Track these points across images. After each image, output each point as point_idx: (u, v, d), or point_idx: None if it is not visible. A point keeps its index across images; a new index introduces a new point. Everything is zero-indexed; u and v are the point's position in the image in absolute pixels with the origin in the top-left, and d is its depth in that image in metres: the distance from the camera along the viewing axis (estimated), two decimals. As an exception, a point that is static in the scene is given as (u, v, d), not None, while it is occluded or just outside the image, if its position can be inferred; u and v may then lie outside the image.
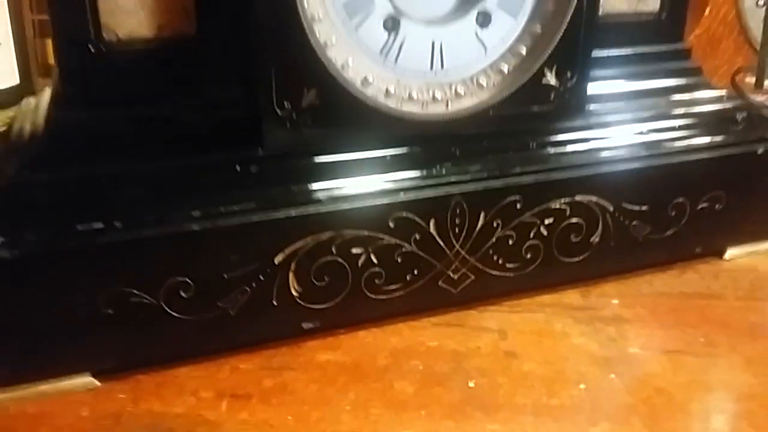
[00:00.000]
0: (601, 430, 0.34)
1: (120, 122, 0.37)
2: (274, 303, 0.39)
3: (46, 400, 0.36)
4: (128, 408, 0.36)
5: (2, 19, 0.84)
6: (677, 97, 0.49)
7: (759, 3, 0.76)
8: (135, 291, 0.36)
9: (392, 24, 0.39)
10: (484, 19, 0.41)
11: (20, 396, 0.36)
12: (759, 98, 0.76)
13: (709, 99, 0.50)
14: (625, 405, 0.36)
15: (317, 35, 0.37)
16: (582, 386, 0.37)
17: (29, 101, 0.48)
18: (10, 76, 0.86)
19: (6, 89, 0.86)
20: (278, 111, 0.38)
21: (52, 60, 0.90)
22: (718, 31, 0.78)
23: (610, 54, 0.47)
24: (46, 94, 0.46)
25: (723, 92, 0.51)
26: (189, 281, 0.37)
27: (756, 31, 0.76)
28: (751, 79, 0.76)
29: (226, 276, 0.37)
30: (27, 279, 0.34)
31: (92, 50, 0.36)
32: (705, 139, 0.48)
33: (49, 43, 0.89)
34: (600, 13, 0.45)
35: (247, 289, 0.38)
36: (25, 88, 0.89)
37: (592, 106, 0.46)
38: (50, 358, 0.36)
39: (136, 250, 0.35)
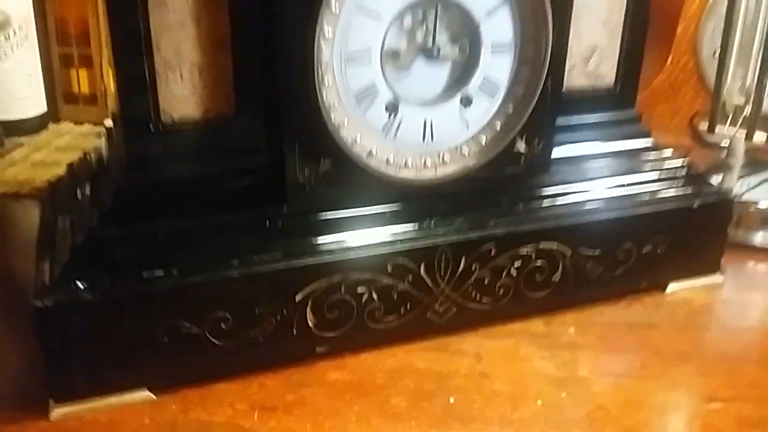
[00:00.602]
0: (552, 439, 0.44)
1: (173, 187, 0.46)
2: (294, 332, 0.48)
3: (113, 410, 0.45)
4: (180, 417, 0.45)
5: (32, 53, 0.93)
6: (628, 157, 0.58)
7: (715, 55, 0.86)
8: (185, 323, 0.45)
9: (392, 108, 0.48)
10: (466, 102, 0.50)
11: (93, 407, 0.45)
12: (713, 139, 0.85)
13: (656, 159, 0.59)
14: (571, 419, 0.45)
15: (333, 119, 0.46)
16: (539, 402, 0.47)
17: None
18: (39, 105, 0.95)
19: (35, 117, 0.94)
20: (300, 177, 0.47)
21: (75, 89, 0.98)
22: (679, 78, 0.88)
23: (571, 122, 0.57)
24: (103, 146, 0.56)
25: (668, 152, 0.60)
26: (228, 315, 0.46)
27: (713, 79, 0.86)
28: (706, 123, 0.86)
29: (256, 311, 0.46)
30: (103, 315, 0.43)
31: (152, 129, 0.45)
32: (650, 195, 0.57)
33: (73, 72, 0.98)
34: (563, 89, 0.55)
35: (273, 321, 0.47)
36: (52, 114, 0.97)
37: (555, 167, 0.55)
38: (117, 376, 0.45)
39: (187, 291, 0.45)
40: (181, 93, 0.46)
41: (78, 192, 0.51)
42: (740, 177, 0.76)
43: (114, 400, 0.45)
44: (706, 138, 0.87)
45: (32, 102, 0.93)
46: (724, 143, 0.77)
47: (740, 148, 0.75)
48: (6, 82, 0.90)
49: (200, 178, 0.47)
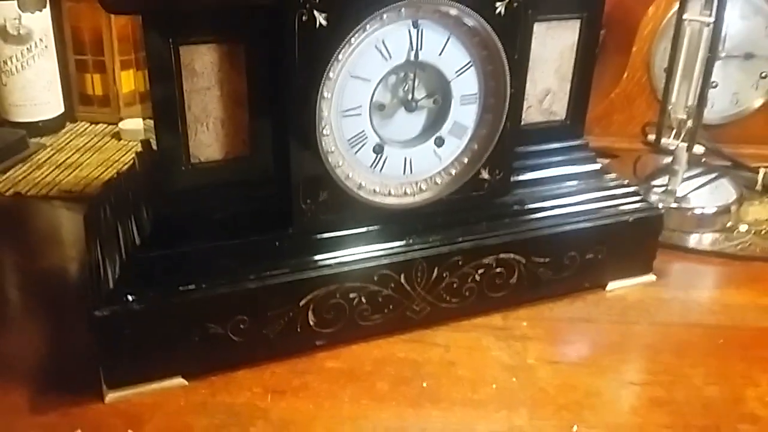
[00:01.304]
0: (501, 416, 0.56)
1: (201, 214, 0.57)
2: (299, 329, 0.59)
3: (155, 394, 0.56)
4: (209, 399, 0.56)
5: (51, 62, 1.02)
6: (576, 180, 0.69)
7: (664, 70, 0.96)
8: (212, 325, 0.56)
9: (378, 149, 0.59)
10: (439, 142, 0.61)
11: (139, 391, 0.56)
12: (663, 143, 0.96)
13: (599, 181, 0.71)
14: (518, 399, 0.57)
15: (330, 161, 0.57)
16: (494, 386, 0.59)
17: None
18: (57, 107, 1.04)
19: (54, 117, 1.04)
20: (303, 205, 0.58)
21: (89, 91, 1.08)
22: (633, 91, 0.99)
23: (529, 150, 0.68)
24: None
25: (611, 176, 0.71)
26: (246, 318, 0.57)
27: (663, 92, 0.96)
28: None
29: (269, 314, 0.58)
30: (147, 321, 0.54)
31: (184, 168, 0.56)
32: (594, 212, 0.68)
33: (87, 76, 1.07)
34: (521, 124, 0.66)
35: (282, 321, 0.58)
36: (68, 115, 1.07)
37: (514, 189, 0.66)
38: (158, 367, 0.56)
39: (214, 300, 0.56)
40: (207, 140, 0.56)
41: (118, 213, 0.62)
42: (684, 180, 0.88)
43: (155, 385, 0.57)
44: (657, 145, 0.99)
45: (51, 105, 1.03)
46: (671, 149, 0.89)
47: (683, 157, 0.87)
48: (28, 89, 1.00)
49: (222, 207, 0.58)
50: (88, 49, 1.04)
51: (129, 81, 1.07)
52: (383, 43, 0.55)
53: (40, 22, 0.98)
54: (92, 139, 1.02)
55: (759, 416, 0.57)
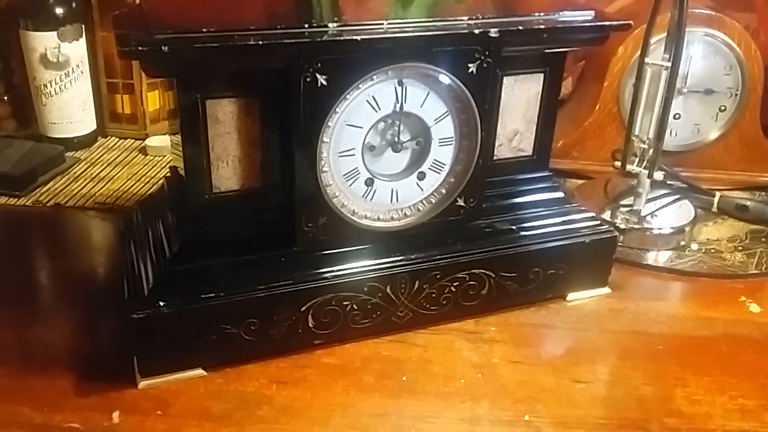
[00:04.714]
0: (467, 406, 0.67)
1: (220, 234, 0.69)
2: (300, 331, 0.71)
3: (180, 382, 0.68)
4: (223, 387, 0.68)
5: (86, 83, 1.14)
6: (541, 206, 0.81)
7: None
8: (227, 326, 0.68)
9: (369, 182, 0.70)
10: (421, 176, 0.72)
11: (166, 380, 0.68)
12: (628, 169, 1.06)
13: (561, 207, 0.82)
14: (481, 392, 0.68)
15: (328, 192, 0.68)
16: (462, 381, 0.70)
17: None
18: (90, 124, 1.16)
19: (88, 134, 1.16)
20: (305, 228, 0.70)
21: (119, 110, 1.20)
22: (605, 120, 1.10)
23: (500, 181, 0.79)
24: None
25: (573, 203, 0.83)
26: (256, 321, 0.68)
27: (632, 121, 1.07)
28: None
29: (275, 318, 0.69)
30: (175, 322, 0.66)
31: (207, 197, 0.68)
32: (555, 234, 0.79)
33: (117, 97, 1.19)
34: (494, 158, 0.77)
35: (286, 324, 0.70)
36: (99, 130, 1.19)
37: (486, 214, 0.78)
38: (182, 359, 0.68)
39: (230, 307, 0.67)
40: (226, 174, 0.68)
41: (151, 230, 0.74)
42: (649, 200, 0.99)
43: (180, 375, 0.68)
44: (624, 169, 1.09)
45: (85, 123, 1.15)
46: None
47: (645, 182, 0.98)
48: (65, 108, 1.12)
49: (238, 229, 0.69)
50: (118, 73, 1.16)
51: (155, 101, 1.19)
52: (374, 98, 0.66)
53: (77, 50, 1.10)
54: (122, 153, 1.14)
55: (684, 412, 0.68)
